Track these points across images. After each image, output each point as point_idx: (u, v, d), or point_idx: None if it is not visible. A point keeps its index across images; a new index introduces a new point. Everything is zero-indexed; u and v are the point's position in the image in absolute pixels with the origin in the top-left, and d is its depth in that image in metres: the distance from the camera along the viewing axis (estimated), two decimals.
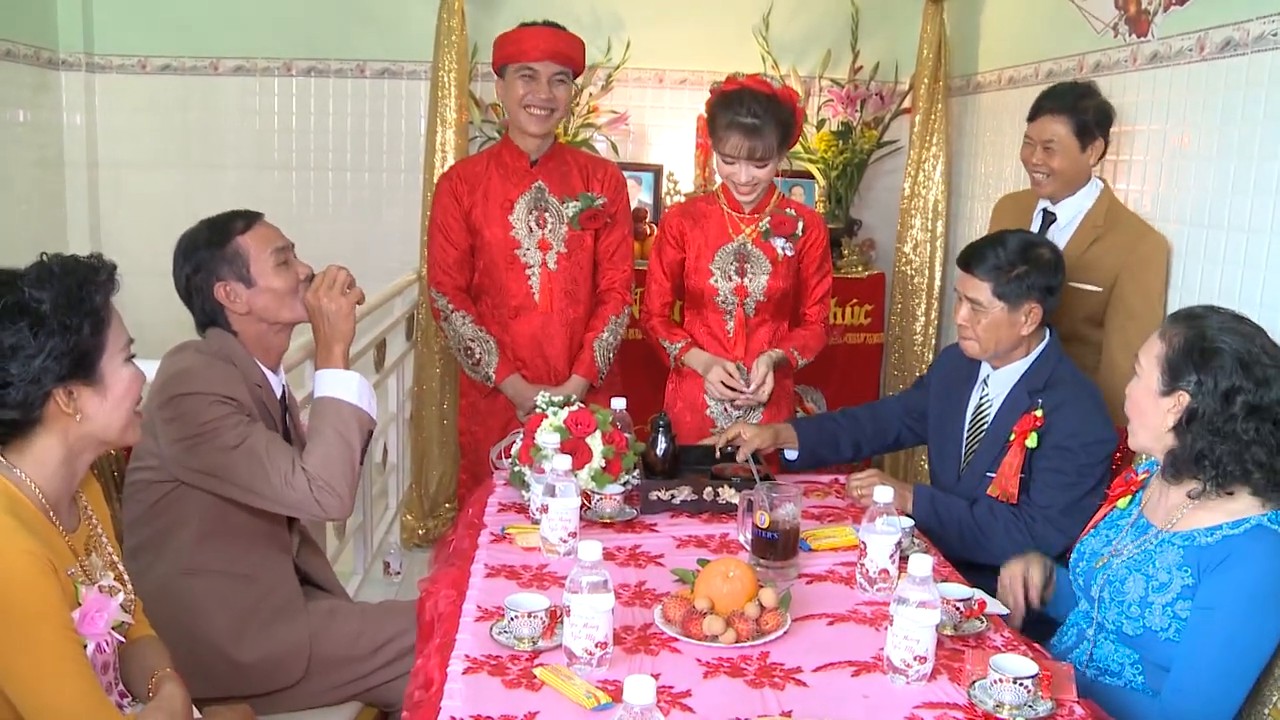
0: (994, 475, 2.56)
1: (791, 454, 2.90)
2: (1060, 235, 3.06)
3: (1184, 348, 1.94)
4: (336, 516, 2.32)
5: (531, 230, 3.22)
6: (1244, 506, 1.92)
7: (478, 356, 3.22)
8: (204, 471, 2.20)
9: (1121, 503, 2.16)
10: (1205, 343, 1.92)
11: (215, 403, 2.19)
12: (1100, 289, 2.96)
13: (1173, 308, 2.09)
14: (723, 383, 3.01)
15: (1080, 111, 3.00)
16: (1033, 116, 3.08)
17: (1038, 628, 2.20)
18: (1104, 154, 3.07)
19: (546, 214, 3.24)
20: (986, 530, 2.51)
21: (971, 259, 2.61)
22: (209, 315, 2.35)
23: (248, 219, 2.38)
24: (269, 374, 2.41)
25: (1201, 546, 1.91)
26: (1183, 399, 1.93)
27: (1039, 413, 2.52)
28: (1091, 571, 2.09)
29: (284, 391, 2.48)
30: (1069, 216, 3.09)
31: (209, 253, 2.32)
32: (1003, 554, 2.38)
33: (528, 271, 3.23)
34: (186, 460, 2.20)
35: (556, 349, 3.29)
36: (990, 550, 2.48)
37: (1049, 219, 3.13)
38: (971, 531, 2.53)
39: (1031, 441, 2.51)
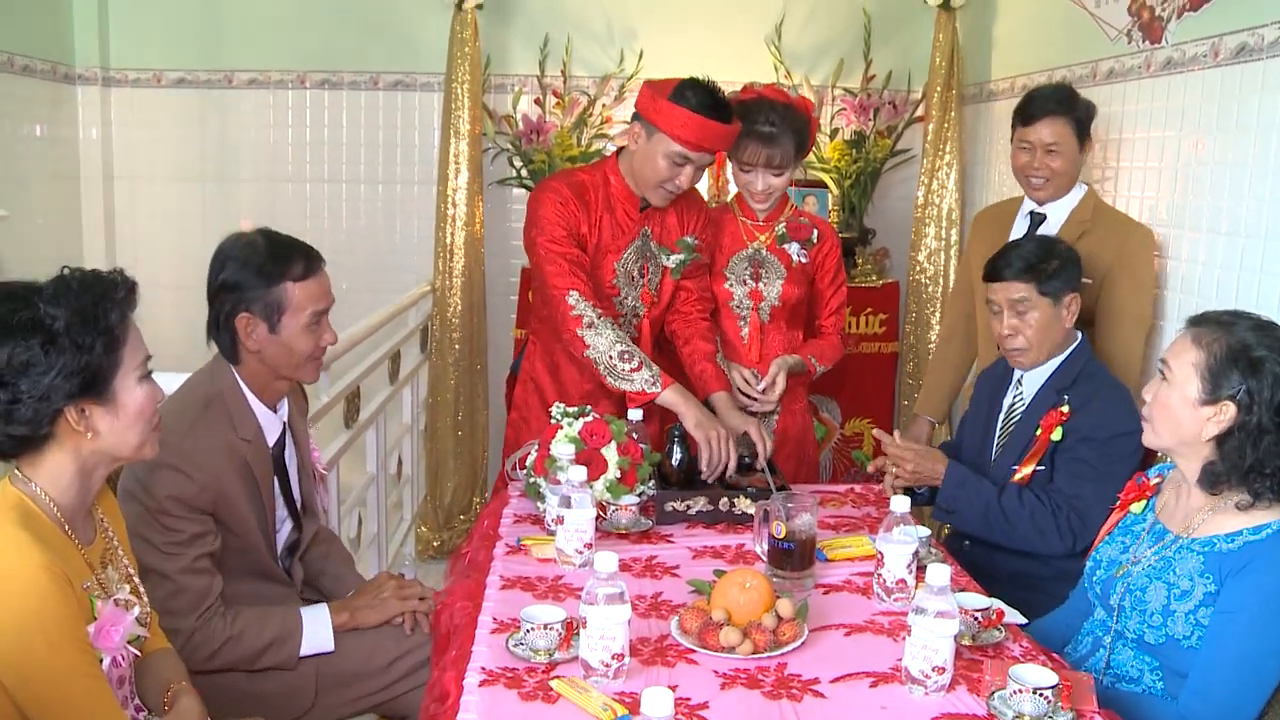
0: (1018, 467, 2.61)
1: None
2: (1048, 232, 3.05)
3: (1228, 356, 1.89)
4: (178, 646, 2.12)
5: (633, 279, 2.96)
6: (1265, 512, 1.90)
7: (637, 362, 2.69)
8: (130, 528, 2.07)
9: (1135, 508, 2.14)
10: (1252, 351, 1.88)
11: (185, 510, 2.12)
12: (1089, 280, 2.95)
13: (1187, 314, 2.05)
14: (739, 390, 3.00)
15: (1076, 110, 3.02)
16: (1028, 121, 3.03)
17: (1052, 640, 2.18)
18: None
19: (649, 263, 2.97)
20: (1012, 517, 2.54)
21: (1006, 266, 2.64)
22: (221, 330, 2.24)
23: (309, 266, 2.24)
24: (266, 415, 2.29)
25: (1223, 553, 1.90)
26: (1227, 409, 1.89)
27: (1065, 408, 2.57)
28: (1110, 580, 2.07)
29: (283, 428, 2.36)
30: (1060, 217, 3.08)
31: (253, 280, 2.19)
32: (1026, 540, 2.52)
33: (620, 319, 2.93)
34: (129, 511, 2.09)
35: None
36: (1013, 536, 2.54)
37: (1038, 220, 3.12)
38: (997, 517, 2.55)
39: (1056, 435, 2.56)
